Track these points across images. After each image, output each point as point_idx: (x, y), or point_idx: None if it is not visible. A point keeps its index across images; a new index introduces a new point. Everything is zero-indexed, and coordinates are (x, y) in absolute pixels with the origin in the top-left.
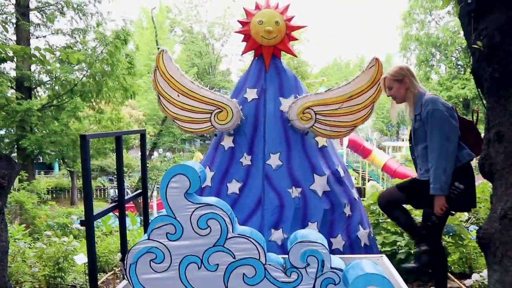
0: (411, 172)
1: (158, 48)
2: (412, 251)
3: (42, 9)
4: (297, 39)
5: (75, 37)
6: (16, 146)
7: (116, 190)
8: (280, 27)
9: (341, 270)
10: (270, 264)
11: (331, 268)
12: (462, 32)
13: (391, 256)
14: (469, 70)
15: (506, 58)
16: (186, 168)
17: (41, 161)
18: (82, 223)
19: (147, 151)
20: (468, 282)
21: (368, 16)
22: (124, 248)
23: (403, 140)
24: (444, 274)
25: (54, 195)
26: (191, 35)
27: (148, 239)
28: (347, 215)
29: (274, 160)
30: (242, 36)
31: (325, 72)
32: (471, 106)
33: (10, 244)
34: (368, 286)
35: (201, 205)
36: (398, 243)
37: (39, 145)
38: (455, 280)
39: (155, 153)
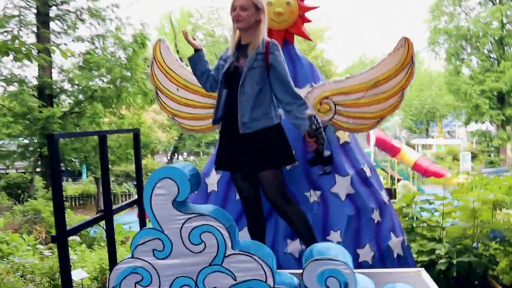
0: (444, 170)
1: (178, 52)
2: (454, 261)
3: (62, 16)
4: (311, 21)
5: (95, 43)
6: (39, 154)
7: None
8: (292, 8)
9: None
10: None
11: None
12: (494, 23)
13: (429, 266)
14: (503, 62)
15: None
16: (173, 170)
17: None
18: (53, 239)
19: (168, 155)
20: None
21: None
22: (113, 265)
23: (433, 138)
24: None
25: (81, 201)
26: (213, 38)
27: (132, 257)
28: (375, 221)
29: None
30: None
31: (350, 71)
32: (506, 100)
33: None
34: None
35: (192, 215)
36: (437, 252)
37: (61, 152)
38: None
39: (180, 158)
